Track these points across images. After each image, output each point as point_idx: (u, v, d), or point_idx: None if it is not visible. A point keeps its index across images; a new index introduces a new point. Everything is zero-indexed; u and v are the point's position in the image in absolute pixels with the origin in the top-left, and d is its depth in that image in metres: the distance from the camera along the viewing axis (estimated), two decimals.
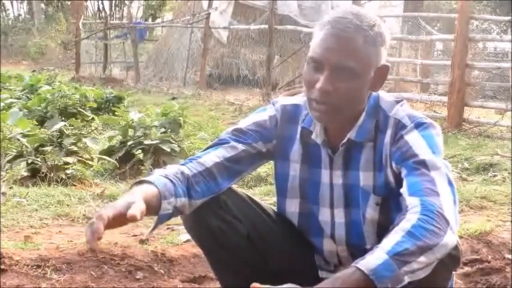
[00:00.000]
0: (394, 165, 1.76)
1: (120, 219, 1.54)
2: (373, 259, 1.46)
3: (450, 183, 1.68)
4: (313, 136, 1.86)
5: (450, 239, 1.56)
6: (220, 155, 1.84)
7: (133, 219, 1.52)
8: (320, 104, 1.72)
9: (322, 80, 1.70)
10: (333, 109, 1.73)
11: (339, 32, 1.69)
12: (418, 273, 1.50)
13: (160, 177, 1.70)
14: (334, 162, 1.86)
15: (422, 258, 1.49)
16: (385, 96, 1.85)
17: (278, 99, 1.98)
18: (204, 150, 1.88)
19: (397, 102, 1.83)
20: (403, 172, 1.71)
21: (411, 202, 1.61)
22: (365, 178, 1.83)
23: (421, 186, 1.64)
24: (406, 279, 1.47)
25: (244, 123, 1.92)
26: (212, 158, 1.83)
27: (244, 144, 1.87)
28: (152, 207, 1.65)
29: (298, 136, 1.91)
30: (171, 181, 1.71)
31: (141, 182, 1.68)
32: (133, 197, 1.58)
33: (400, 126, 1.78)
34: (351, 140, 1.81)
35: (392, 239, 1.50)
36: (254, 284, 1.45)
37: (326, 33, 1.71)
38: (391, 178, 1.79)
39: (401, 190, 1.69)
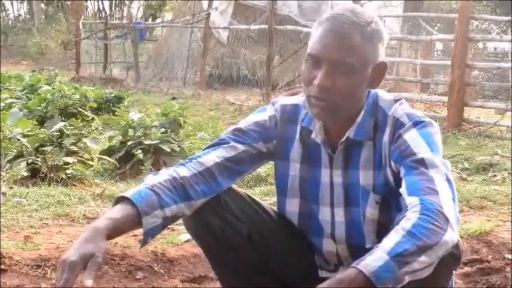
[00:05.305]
0: (393, 164, 1.76)
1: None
2: (374, 260, 1.46)
3: (449, 181, 1.67)
4: (312, 135, 1.86)
5: (451, 236, 1.56)
6: (220, 155, 1.84)
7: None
8: (319, 100, 1.72)
9: (320, 76, 1.70)
10: (331, 106, 1.73)
11: (336, 28, 1.70)
12: (419, 273, 1.50)
13: (142, 191, 1.69)
14: (334, 161, 1.85)
15: (423, 258, 1.49)
16: (383, 95, 1.85)
17: (278, 99, 1.98)
18: (203, 150, 1.87)
19: (396, 101, 1.83)
20: (402, 171, 1.72)
21: (411, 201, 1.61)
22: (365, 177, 1.83)
23: (420, 186, 1.64)
24: (407, 279, 1.48)
25: (244, 123, 1.92)
26: (212, 158, 1.83)
27: (244, 145, 1.87)
28: (130, 227, 1.66)
29: (297, 136, 1.90)
30: (156, 192, 1.69)
31: (118, 201, 1.68)
32: (98, 241, 1.54)
33: (398, 124, 1.78)
34: (350, 138, 1.81)
35: (393, 239, 1.51)
36: None
37: (323, 30, 1.72)
38: (391, 177, 1.79)
39: (401, 190, 1.69)
